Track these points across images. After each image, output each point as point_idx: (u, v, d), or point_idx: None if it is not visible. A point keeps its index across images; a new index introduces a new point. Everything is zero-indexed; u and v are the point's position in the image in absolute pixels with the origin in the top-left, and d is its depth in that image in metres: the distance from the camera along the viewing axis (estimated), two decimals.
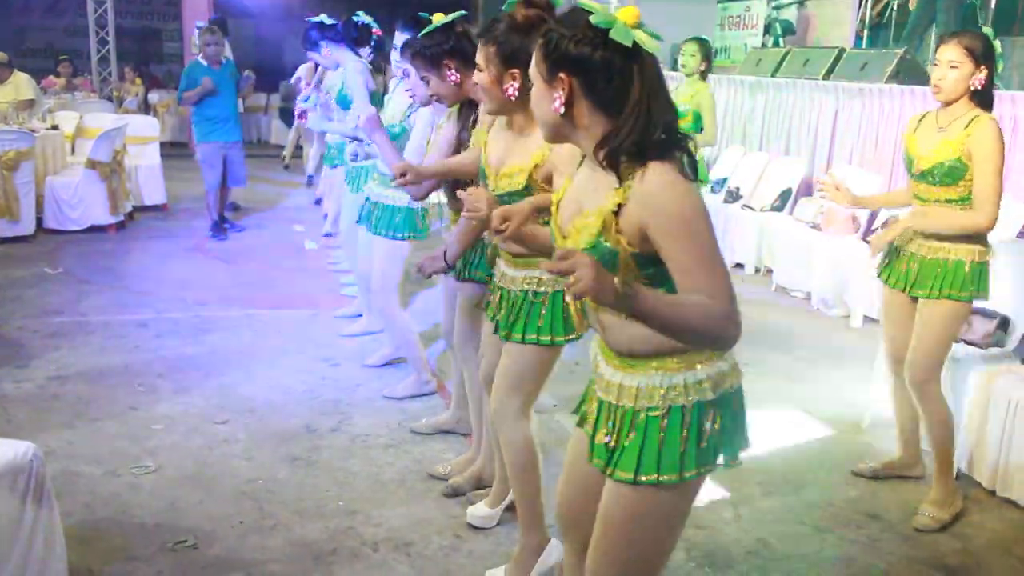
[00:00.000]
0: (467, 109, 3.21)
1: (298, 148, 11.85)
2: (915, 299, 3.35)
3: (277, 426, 4.03)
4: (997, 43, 3.19)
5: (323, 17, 5.53)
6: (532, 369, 2.76)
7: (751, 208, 7.41)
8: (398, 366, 4.74)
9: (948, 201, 3.23)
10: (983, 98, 3.20)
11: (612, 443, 1.88)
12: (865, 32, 10.49)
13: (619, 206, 1.71)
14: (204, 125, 7.68)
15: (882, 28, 10.33)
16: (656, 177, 1.68)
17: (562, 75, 1.73)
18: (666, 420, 1.82)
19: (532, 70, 1.81)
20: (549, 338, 2.69)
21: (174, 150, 8.35)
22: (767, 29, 10.59)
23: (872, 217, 6.52)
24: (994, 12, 9.22)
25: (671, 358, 1.82)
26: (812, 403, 4.45)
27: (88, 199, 7.76)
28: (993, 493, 3.53)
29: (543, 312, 2.68)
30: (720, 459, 1.87)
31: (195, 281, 6.48)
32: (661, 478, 1.81)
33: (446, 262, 3.07)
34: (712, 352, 1.83)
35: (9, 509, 2.40)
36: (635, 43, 1.68)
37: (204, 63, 7.70)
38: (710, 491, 3.45)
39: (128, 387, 4.43)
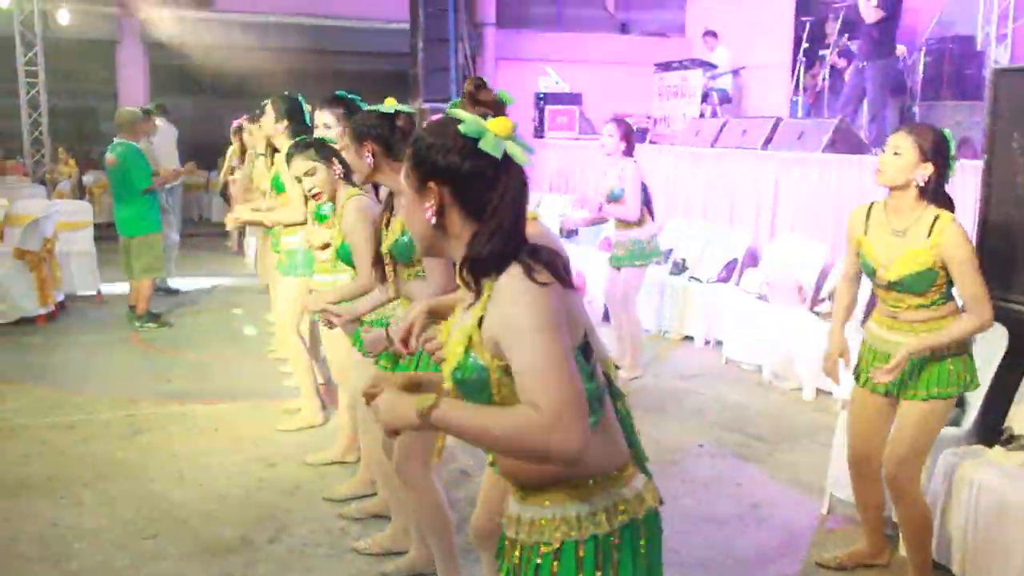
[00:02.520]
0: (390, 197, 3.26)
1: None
2: (887, 395, 3.26)
3: (210, 539, 3.78)
4: (953, 145, 3.12)
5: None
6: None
7: (697, 280, 7.38)
8: (342, 464, 4.52)
9: (920, 307, 3.16)
10: (935, 196, 3.12)
11: None
12: (800, 100, 10.70)
13: (480, 320, 1.63)
14: (156, 213, 7.52)
15: (819, 96, 10.55)
16: (505, 287, 1.60)
17: (431, 184, 1.67)
18: (557, 561, 1.68)
19: (402, 182, 1.75)
20: None
21: (110, 231, 8.11)
22: (704, 98, 10.75)
23: (818, 287, 6.51)
24: (921, 80, 9.49)
25: (565, 488, 1.68)
26: (770, 487, 4.32)
27: (16, 290, 7.45)
28: None
29: None
30: None
31: (127, 376, 6.21)
32: None
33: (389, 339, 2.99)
34: (607, 477, 1.70)
35: None
36: (505, 154, 1.64)
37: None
38: None
39: (51, 499, 4.14)
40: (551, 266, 1.61)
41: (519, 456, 1.59)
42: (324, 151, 3.78)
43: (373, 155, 3.09)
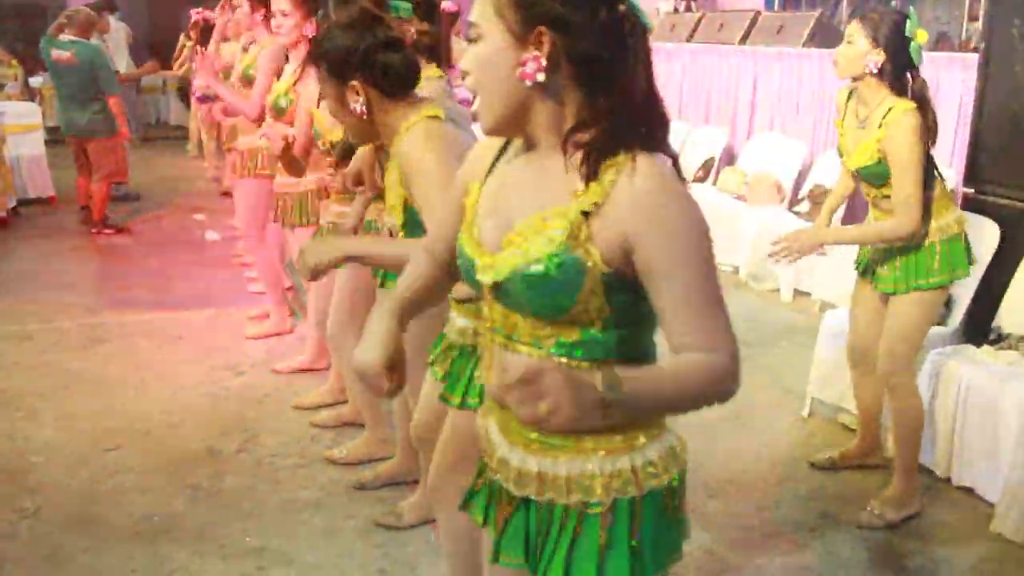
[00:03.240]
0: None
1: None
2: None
3: (175, 450, 3.64)
4: (914, 24, 2.91)
5: None
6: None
7: None
8: (311, 372, 4.37)
9: (885, 197, 3.03)
10: (896, 84, 2.94)
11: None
12: None
13: (595, 207, 1.28)
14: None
15: None
16: (653, 176, 1.27)
17: (543, 30, 1.27)
18: (611, 518, 1.38)
19: (481, 17, 1.33)
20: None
21: (59, 135, 7.73)
22: None
23: (797, 187, 6.37)
24: None
25: (611, 434, 1.38)
26: (749, 391, 4.22)
27: None
28: (948, 480, 3.36)
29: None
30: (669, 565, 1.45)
31: (85, 284, 5.98)
32: None
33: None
34: (655, 420, 1.43)
35: None
36: (631, 7, 1.30)
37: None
38: None
39: (4, 413, 3.96)
40: (676, 162, 1.34)
41: (694, 409, 1.33)
42: None
43: (367, 98, 2.20)
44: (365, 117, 2.19)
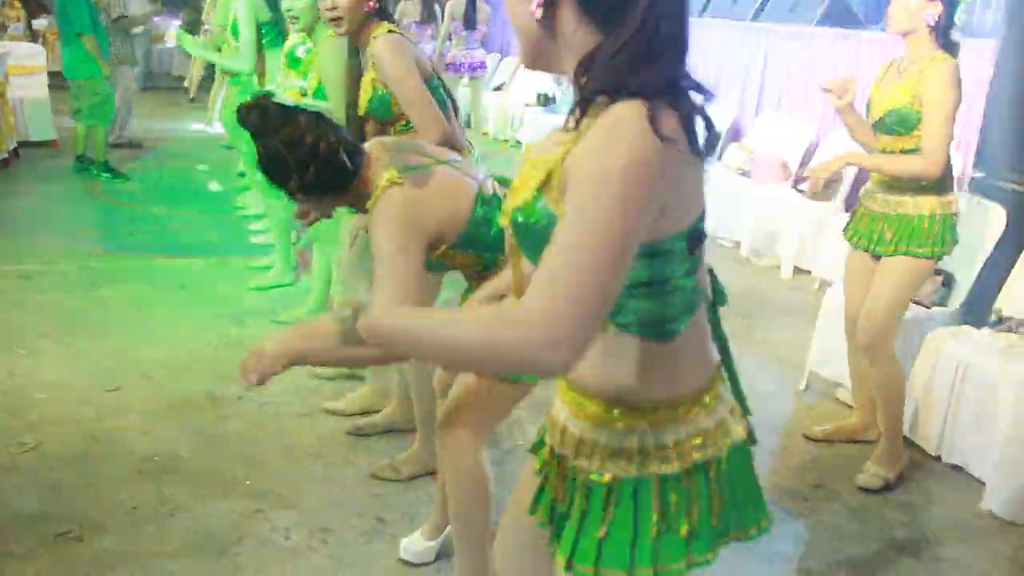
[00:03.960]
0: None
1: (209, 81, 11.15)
2: (877, 258, 3.18)
3: (177, 394, 3.66)
4: None
5: None
6: (492, 394, 2.23)
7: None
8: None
9: (904, 150, 3.05)
10: (944, 39, 2.99)
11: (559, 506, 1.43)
12: None
13: (568, 153, 1.19)
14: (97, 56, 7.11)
15: None
16: (617, 114, 1.13)
17: None
18: (617, 493, 1.32)
19: None
20: None
21: (64, 80, 7.70)
22: None
23: (803, 166, 6.37)
24: None
25: (654, 402, 1.32)
26: (747, 363, 4.27)
27: None
28: (938, 459, 3.40)
29: None
30: (707, 554, 1.33)
31: (87, 228, 5.99)
32: (601, 571, 1.32)
33: None
34: (682, 400, 1.33)
35: None
36: None
37: None
38: None
39: (7, 350, 3.98)
40: (687, 120, 1.16)
41: (477, 366, 1.31)
42: None
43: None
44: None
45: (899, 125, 3.03)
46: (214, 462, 3.18)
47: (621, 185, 1.09)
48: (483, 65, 8.78)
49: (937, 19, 2.95)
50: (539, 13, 1.22)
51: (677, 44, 1.20)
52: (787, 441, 3.58)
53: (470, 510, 2.29)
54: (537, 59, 1.31)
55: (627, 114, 1.12)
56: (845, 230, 3.35)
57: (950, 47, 2.99)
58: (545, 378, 1.18)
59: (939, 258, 3.14)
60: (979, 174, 3.92)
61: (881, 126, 3.09)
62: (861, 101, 3.19)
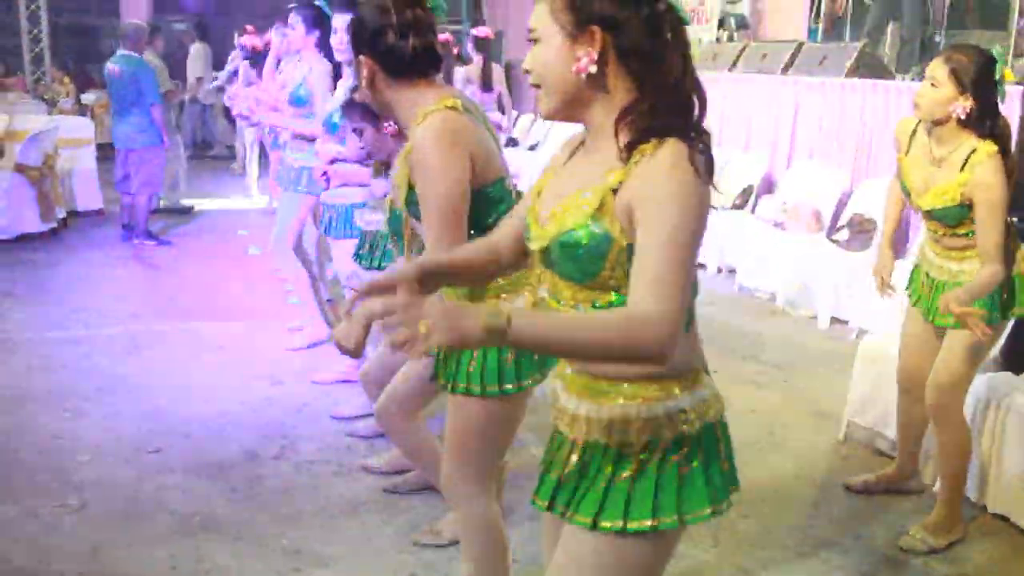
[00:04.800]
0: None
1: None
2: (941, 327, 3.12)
3: (215, 454, 3.72)
4: (1001, 66, 2.87)
5: None
6: (475, 429, 2.27)
7: (713, 207, 7.18)
8: (349, 383, 4.43)
9: (956, 235, 3.02)
10: (981, 125, 2.87)
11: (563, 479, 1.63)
12: (820, 25, 10.38)
13: (620, 185, 1.46)
14: (156, 128, 7.37)
15: (837, 22, 10.22)
16: (668, 156, 1.42)
17: (595, 28, 1.46)
18: (641, 457, 1.56)
19: (538, 21, 1.51)
20: (480, 387, 2.20)
21: (111, 152, 7.99)
22: (721, 23, 10.44)
23: (836, 216, 6.37)
24: (947, 7, 9.16)
25: (649, 383, 1.55)
26: (785, 414, 4.24)
27: (17, 205, 7.31)
28: (984, 508, 3.33)
29: (474, 353, 2.19)
30: (706, 508, 1.57)
31: (130, 293, 6.12)
32: (629, 526, 1.54)
33: None
34: (691, 375, 1.59)
35: None
36: (669, 3, 1.48)
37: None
38: None
39: (53, 413, 4.07)
40: (709, 166, 1.47)
41: (607, 360, 1.49)
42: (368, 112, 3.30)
43: (371, 74, 2.25)
44: (368, 90, 2.25)
45: (949, 220, 2.98)
46: (252, 520, 3.22)
47: (694, 220, 1.41)
48: (500, 127, 8.88)
49: (969, 112, 2.85)
50: (592, 70, 1.46)
51: (701, 95, 1.51)
52: (826, 492, 3.53)
53: (485, 556, 2.34)
54: (565, 111, 1.54)
55: (680, 151, 1.42)
56: (910, 290, 3.28)
57: (988, 132, 2.88)
58: (654, 365, 1.41)
59: (1009, 320, 3.08)
60: (1013, 219, 3.88)
61: (929, 216, 3.05)
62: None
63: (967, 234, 2.98)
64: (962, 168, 2.89)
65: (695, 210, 1.41)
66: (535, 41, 1.52)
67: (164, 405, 4.19)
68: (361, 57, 2.23)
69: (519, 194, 2.54)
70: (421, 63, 2.22)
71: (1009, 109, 4.91)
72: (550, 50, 1.50)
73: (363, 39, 2.22)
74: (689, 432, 1.56)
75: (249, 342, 5.09)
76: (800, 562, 3.05)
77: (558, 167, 1.66)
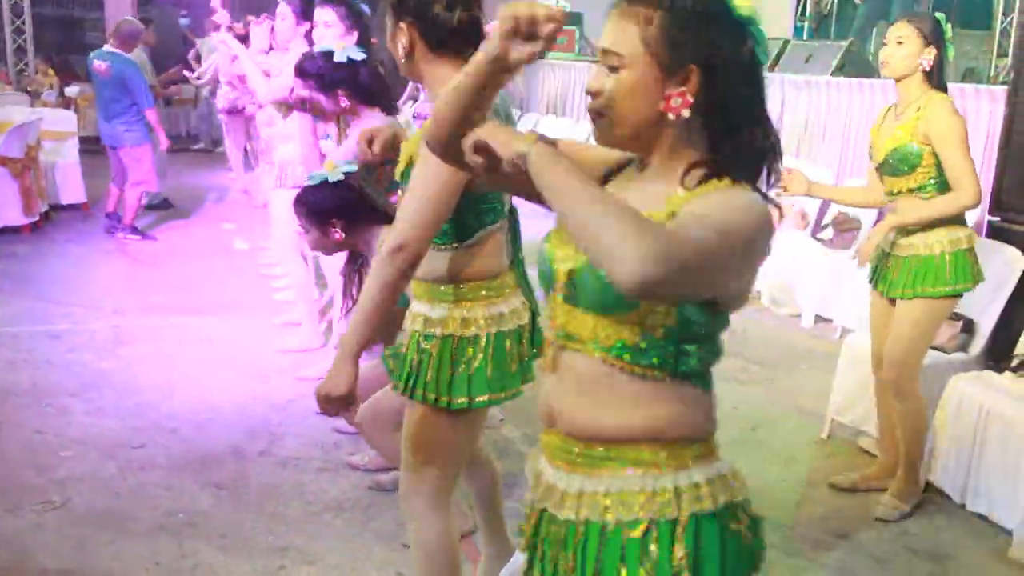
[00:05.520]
0: None
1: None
2: (894, 301, 3.22)
3: (200, 450, 3.70)
4: (947, 27, 3.10)
5: None
6: (434, 439, 2.20)
7: None
8: None
9: (910, 191, 3.11)
10: (938, 80, 3.10)
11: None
12: (806, 24, 10.44)
13: (672, 214, 1.30)
14: (143, 124, 7.31)
15: (824, 20, 10.29)
16: (741, 191, 1.31)
17: (693, 68, 1.31)
18: (652, 541, 1.32)
19: (623, 46, 1.33)
20: (435, 396, 2.12)
21: (95, 146, 7.92)
22: None
23: (821, 214, 6.39)
24: (931, 8, 9.24)
25: (655, 448, 1.35)
26: (768, 412, 4.26)
27: None
28: (963, 506, 3.36)
29: (431, 362, 2.12)
30: None
31: (115, 287, 6.08)
32: None
33: None
34: (704, 447, 1.40)
35: None
36: (758, 42, 1.35)
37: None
38: None
39: (35, 408, 4.05)
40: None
41: (583, 234, 1.20)
42: None
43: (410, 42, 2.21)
44: (404, 59, 2.18)
45: (902, 163, 3.09)
46: (237, 517, 3.20)
47: (742, 226, 1.25)
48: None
49: (932, 63, 3.06)
50: (686, 113, 1.32)
51: (777, 146, 1.38)
52: (810, 490, 3.56)
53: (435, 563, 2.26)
54: (626, 142, 1.39)
55: (750, 194, 1.31)
56: (871, 278, 3.36)
57: (944, 86, 3.10)
58: (619, 285, 1.15)
59: (959, 296, 3.14)
60: (996, 218, 3.92)
61: (885, 168, 3.16)
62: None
63: (920, 188, 3.08)
64: (917, 111, 3.08)
65: (752, 236, 1.26)
66: (615, 67, 1.34)
67: (148, 400, 4.17)
68: (402, 24, 2.14)
69: (512, 210, 2.54)
70: (462, 38, 2.15)
71: (993, 109, 4.96)
72: (635, 81, 1.33)
73: (408, 6, 2.14)
74: (704, 511, 1.34)
75: (235, 337, 5.06)
76: (786, 560, 3.07)
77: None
